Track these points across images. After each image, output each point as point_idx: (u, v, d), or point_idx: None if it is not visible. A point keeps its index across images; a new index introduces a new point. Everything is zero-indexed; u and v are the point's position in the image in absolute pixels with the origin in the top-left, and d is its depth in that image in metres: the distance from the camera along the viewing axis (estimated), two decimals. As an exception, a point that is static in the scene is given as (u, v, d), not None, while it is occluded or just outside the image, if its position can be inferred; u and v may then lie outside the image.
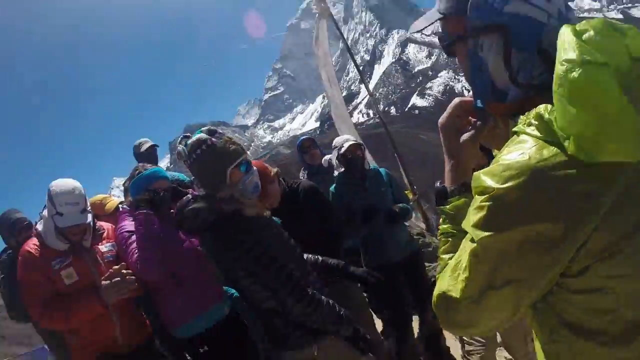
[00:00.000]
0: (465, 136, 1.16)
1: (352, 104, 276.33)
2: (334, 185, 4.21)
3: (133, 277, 2.89)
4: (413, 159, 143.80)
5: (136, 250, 2.94)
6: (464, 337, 3.21)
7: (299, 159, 5.23)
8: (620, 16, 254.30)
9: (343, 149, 4.04)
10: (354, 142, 4.13)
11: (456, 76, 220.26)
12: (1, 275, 4.35)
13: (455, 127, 1.17)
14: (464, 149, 1.16)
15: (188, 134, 2.41)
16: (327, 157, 4.62)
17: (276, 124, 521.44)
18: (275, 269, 2.20)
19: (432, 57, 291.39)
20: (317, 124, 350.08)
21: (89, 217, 3.01)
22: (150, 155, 5.40)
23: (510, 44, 0.97)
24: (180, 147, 2.35)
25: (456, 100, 1.17)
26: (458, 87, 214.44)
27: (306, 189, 3.52)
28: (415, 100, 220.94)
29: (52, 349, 4.69)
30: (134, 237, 3.00)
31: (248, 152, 2.41)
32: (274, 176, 3.04)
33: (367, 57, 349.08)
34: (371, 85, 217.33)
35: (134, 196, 3.10)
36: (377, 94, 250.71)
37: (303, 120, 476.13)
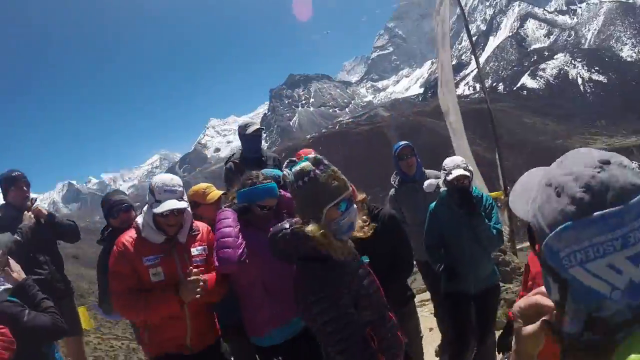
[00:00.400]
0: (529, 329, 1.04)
1: (460, 74, 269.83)
2: (434, 203, 4.26)
3: (207, 278, 3.01)
4: (511, 142, 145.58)
5: (221, 245, 3.00)
6: None
7: (394, 164, 5.09)
8: None
9: (451, 177, 4.01)
10: (463, 171, 4.02)
11: (573, 61, 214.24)
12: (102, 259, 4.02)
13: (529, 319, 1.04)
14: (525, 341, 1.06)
15: (294, 158, 2.53)
16: (432, 181, 4.55)
17: (379, 84, 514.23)
18: (333, 328, 2.18)
19: (551, 37, 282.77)
20: (421, 90, 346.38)
21: (186, 205, 3.06)
22: (254, 139, 5.42)
23: (565, 298, 0.91)
24: (286, 172, 2.37)
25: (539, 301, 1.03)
26: (573, 73, 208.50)
27: (386, 218, 3.53)
28: (526, 80, 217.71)
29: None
30: (225, 232, 3.04)
31: (349, 187, 2.35)
32: (361, 201, 2.97)
33: (483, 27, 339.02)
34: (482, 58, 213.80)
35: (241, 203, 3.17)
36: (488, 68, 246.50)
37: (407, 85, 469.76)
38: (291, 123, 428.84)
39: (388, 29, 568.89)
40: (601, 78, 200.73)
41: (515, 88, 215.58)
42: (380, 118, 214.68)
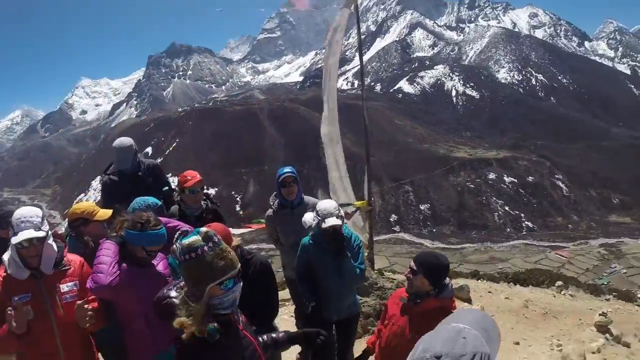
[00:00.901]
0: None
1: (341, 69, 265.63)
2: (307, 239, 4.78)
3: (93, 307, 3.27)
4: (380, 140, 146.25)
5: (95, 270, 3.34)
6: None
7: (276, 187, 5.62)
8: (628, 72, 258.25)
9: (324, 226, 4.47)
10: (335, 220, 4.47)
11: (451, 74, 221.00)
12: None
13: None
14: None
15: (187, 229, 2.60)
16: (309, 220, 4.91)
17: (260, 66, 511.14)
18: None
19: (435, 49, 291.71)
20: (301, 79, 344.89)
21: (43, 234, 3.19)
22: (128, 156, 5.64)
23: None
24: (175, 245, 2.42)
25: None
26: (449, 84, 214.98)
27: (258, 266, 4.04)
28: (404, 84, 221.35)
29: None
30: (102, 259, 3.37)
31: (236, 266, 2.43)
32: (233, 248, 3.17)
33: (372, 28, 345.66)
34: (366, 57, 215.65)
35: (130, 243, 3.47)
36: (369, 67, 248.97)
37: (288, 71, 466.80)
38: (165, 93, 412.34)
39: (280, 13, 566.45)
40: (474, 94, 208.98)
41: (392, 90, 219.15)
42: (255, 100, 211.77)
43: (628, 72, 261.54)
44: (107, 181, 5.64)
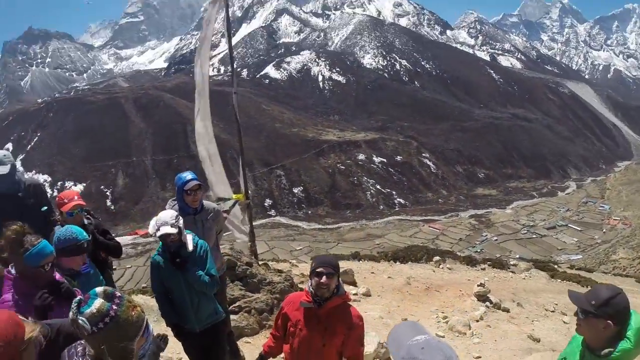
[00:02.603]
0: None
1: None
2: (155, 255, 4.73)
3: None
4: (248, 126, 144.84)
5: None
6: None
7: (177, 194, 5.43)
8: (487, 58, 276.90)
9: (159, 234, 4.42)
10: (169, 229, 4.39)
11: (317, 59, 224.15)
12: None
13: None
14: None
15: (80, 297, 2.29)
16: (153, 224, 4.62)
17: (123, 53, 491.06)
18: None
19: (302, 35, 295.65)
20: (165, 65, 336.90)
21: None
22: (5, 177, 5.20)
23: None
24: (80, 320, 2.19)
25: None
26: (315, 70, 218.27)
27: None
28: (270, 69, 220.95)
29: None
30: (6, 297, 3.36)
31: (143, 310, 2.39)
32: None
33: (238, 14, 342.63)
34: (232, 43, 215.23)
35: (22, 266, 3.37)
36: (235, 53, 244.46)
37: (152, 57, 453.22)
38: (22, 83, 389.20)
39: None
40: (340, 78, 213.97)
41: (258, 76, 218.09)
42: (118, 88, 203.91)
43: (487, 58, 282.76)
44: None
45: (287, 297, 4.18)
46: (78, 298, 2.30)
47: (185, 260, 4.56)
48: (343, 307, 3.79)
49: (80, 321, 2.21)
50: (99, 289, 2.31)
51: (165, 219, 4.45)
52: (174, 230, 4.42)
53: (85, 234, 4.09)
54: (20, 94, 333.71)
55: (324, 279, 3.60)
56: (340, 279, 3.80)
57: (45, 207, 5.50)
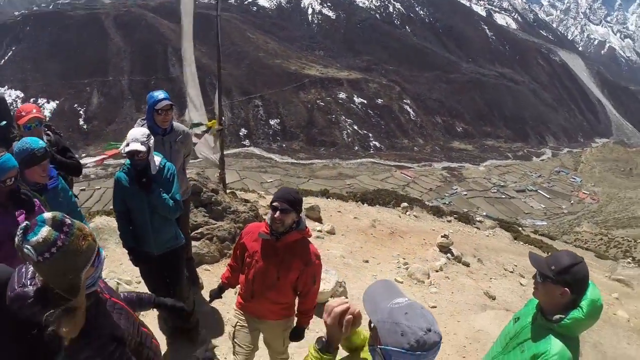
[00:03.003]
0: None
1: None
2: (120, 173, 4.59)
3: None
4: (231, 52, 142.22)
5: None
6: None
7: (147, 113, 5.30)
8: (483, 14, 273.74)
9: (127, 149, 4.31)
10: (139, 146, 4.28)
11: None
12: None
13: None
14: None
15: (27, 223, 2.14)
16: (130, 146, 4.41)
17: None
18: None
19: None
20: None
21: None
22: None
23: None
24: (26, 249, 2.06)
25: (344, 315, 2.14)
26: (305, 2, 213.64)
27: None
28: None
29: None
30: None
31: (95, 238, 2.26)
32: None
33: None
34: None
35: None
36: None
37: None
38: None
39: None
40: (330, 14, 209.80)
41: (246, 2, 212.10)
42: (100, 4, 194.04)
43: (483, 14, 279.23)
44: None
45: (247, 227, 4.14)
46: (24, 224, 2.15)
47: (151, 181, 4.47)
48: (302, 242, 3.81)
49: (25, 249, 2.08)
50: (47, 215, 2.16)
51: (136, 136, 4.32)
52: (142, 148, 4.29)
53: (40, 142, 3.93)
54: None
55: (277, 214, 3.61)
56: (302, 214, 3.80)
57: (4, 122, 5.39)
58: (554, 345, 2.78)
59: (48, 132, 5.25)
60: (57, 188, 4.19)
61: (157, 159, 4.62)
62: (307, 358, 2.25)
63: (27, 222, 2.15)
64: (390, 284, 2.17)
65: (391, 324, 1.93)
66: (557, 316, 2.82)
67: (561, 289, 2.77)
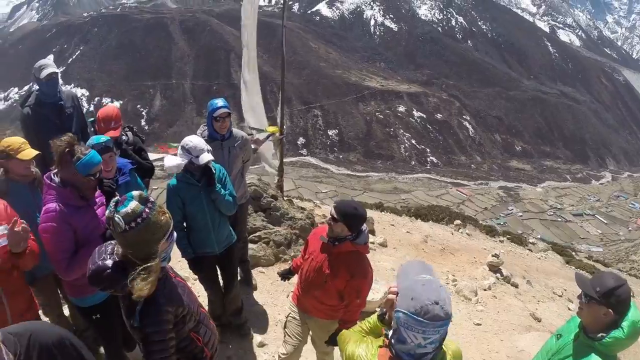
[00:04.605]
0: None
1: None
2: (174, 181, 4.82)
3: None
4: (292, 61, 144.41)
5: (47, 220, 3.47)
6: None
7: (207, 120, 5.62)
8: (547, 30, 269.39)
9: (200, 163, 4.56)
10: (210, 156, 4.61)
11: (372, 3, 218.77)
12: None
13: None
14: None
15: (118, 197, 2.58)
16: (172, 162, 4.70)
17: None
18: (160, 348, 2.64)
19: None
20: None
21: None
22: (50, 84, 5.40)
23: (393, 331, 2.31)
24: (117, 218, 2.48)
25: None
26: (368, 13, 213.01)
27: None
28: (322, 7, 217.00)
29: None
30: (50, 207, 3.50)
31: (170, 216, 2.68)
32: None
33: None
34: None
35: (72, 174, 3.57)
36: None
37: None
38: None
39: None
40: (392, 26, 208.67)
41: (309, 11, 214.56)
42: (166, 9, 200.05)
43: (547, 30, 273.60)
44: (29, 113, 5.45)
45: (316, 228, 4.61)
46: (116, 198, 2.58)
47: (213, 175, 4.76)
48: (355, 255, 4.05)
49: (116, 218, 2.49)
50: (135, 193, 2.59)
51: (202, 146, 4.62)
52: (212, 157, 4.67)
53: (103, 137, 4.31)
54: (66, 7, 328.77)
55: (329, 219, 3.96)
56: (365, 229, 4.07)
57: (92, 119, 5.66)
58: None
59: (128, 132, 5.63)
60: (129, 182, 4.49)
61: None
62: (364, 322, 2.74)
63: (118, 197, 2.62)
64: (424, 264, 2.44)
65: (408, 289, 2.15)
66: (599, 335, 2.97)
67: (605, 310, 2.93)
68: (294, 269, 4.69)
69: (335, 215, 3.86)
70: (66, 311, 5.07)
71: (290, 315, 4.54)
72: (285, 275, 4.80)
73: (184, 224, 4.93)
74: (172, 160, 4.70)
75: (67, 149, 3.49)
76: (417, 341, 2.13)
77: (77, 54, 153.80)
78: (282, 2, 9.45)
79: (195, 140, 4.64)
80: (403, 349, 2.19)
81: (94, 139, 4.23)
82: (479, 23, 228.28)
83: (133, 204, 2.50)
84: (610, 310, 2.89)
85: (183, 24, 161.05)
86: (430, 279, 2.23)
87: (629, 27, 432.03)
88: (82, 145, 3.64)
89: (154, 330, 2.59)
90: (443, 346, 2.30)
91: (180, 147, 4.65)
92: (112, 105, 6.04)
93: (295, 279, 4.79)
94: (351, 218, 3.87)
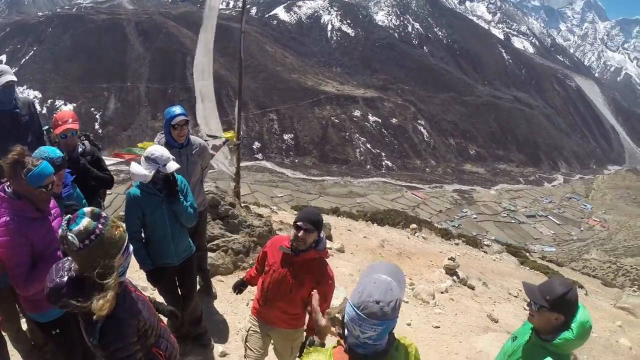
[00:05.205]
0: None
1: None
2: (135, 190, 4.67)
3: None
4: (250, 65, 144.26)
5: (2, 235, 3.40)
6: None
7: (165, 128, 5.53)
8: (501, 37, 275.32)
9: (168, 171, 4.51)
10: (177, 165, 4.58)
11: (329, 8, 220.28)
12: None
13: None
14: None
15: (70, 216, 2.53)
16: (138, 170, 4.57)
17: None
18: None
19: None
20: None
21: None
22: (7, 91, 5.20)
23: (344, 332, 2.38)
24: (70, 237, 2.43)
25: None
26: (326, 18, 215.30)
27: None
28: (280, 11, 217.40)
29: None
30: (4, 220, 3.43)
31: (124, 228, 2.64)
32: None
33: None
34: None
35: (24, 187, 3.48)
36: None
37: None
38: None
39: None
40: (349, 31, 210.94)
41: (267, 15, 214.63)
42: (122, 10, 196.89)
43: (502, 37, 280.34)
44: None
45: (273, 238, 4.42)
46: (67, 216, 2.51)
47: (177, 186, 4.69)
48: (318, 261, 4.05)
49: (69, 237, 2.44)
50: (86, 209, 2.54)
51: (168, 155, 4.57)
52: (178, 165, 4.62)
53: (58, 152, 4.05)
54: (21, 6, 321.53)
55: (301, 233, 3.83)
56: (323, 235, 4.04)
57: (47, 127, 5.61)
58: None
59: (85, 141, 5.55)
60: (72, 196, 4.37)
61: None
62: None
63: (69, 215, 2.55)
64: (392, 267, 2.42)
65: (361, 284, 2.26)
66: (550, 336, 3.10)
67: (556, 315, 3.04)
68: (248, 280, 4.66)
69: (305, 227, 3.84)
70: (24, 326, 4.82)
71: (251, 329, 4.40)
72: (239, 287, 4.70)
73: (142, 235, 4.85)
74: (139, 170, 4.56)
75: (17, 161, 3.41)
76: (355, 333, 2.24)
77: (30, 54, 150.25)
78: (240, 6, 9.47)
79: (159, 149, 4.59)
80: (350, 341, 2.29)
81: (48, 152, 3.98)
82: (435, 29, 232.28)
83: (85, 221, 2.47)
84: (561, 315, 3.02)
85: (139, 26, 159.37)
86: (385, 279, 2.27)
87: (581, 35, 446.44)
88: (33, 157, 3.55)
89: (119, 346, 2.57)
90: (405, 341, 2.47)
91: (144, 158, 4.55)
92: (66, 109, 6.10)
93: (250, 287, 4.85)
94: (320, 225, 3.93)
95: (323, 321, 2.64)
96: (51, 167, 3.56)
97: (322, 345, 2.67)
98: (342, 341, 2.39)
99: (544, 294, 3.06)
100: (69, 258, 2.65)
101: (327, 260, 4.17)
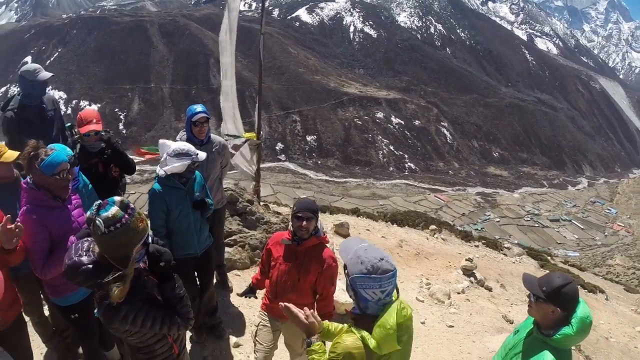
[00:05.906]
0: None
1: None
2: (157, 186, 4.84)
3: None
4: (271, 66, 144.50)
5: (22, 222, 3.54)
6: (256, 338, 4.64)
7: (186, 125, 5.79)
8: (524, 38, 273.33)
9: (201, 159, 4.76)
10: (205, 154, 4.86)
11: (352, 9, 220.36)
12: None
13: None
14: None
15: (100, 201, 2.71)
16: (174, 163, 4.73)
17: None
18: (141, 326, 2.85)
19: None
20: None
21: None
22: (42, 86, 5.54)
23: (356, 298, 2.68)
24: (97, 221, 2.62)
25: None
26: (348, 19, 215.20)
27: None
28: (302, 12, 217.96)
29: None
30: (25, 209, 3.69)
31: (147, 221, 2.87)
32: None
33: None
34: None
35: (39, 176, 3.71)
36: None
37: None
38: None
39: None
40: (372, 32, 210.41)
41: (289, 17, 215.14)
42: (146, 12, 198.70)
43: (525, 38, 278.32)
44: (13, 116, 5.43)
45: (273, 235, 4.65)
46: (98, 202, 2.75)
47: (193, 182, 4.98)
48: (319, 247, 4.28)
49: (97, 221, 2.64)
50: (117, 198, 2.74)
51: (194, 149, 4.76)
52: (204, 154, 4.86)
53: (68, 150, 4.11)
54: (45, 8, 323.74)
55: (304, 222, 4.11)
56: (319, 222, 4.31)
57: (69, 124, 5.89)
58: (547, 358, 3.11)
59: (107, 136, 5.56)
60: (79, 187, 4.45)
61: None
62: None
63: (100, 200, 2.74)
64: (359, 238, 2.84)
65: (355, 257, 2.56)
66: (550, 331, 3.14)
67: (552, 308, 3.09)
68: (254, 284, 4.84)
69: (309, 215, 4.11)
70: (46, 312, 5.23)
71: (261, 323, 4.65)
72: (248, 294, 4.89)
73: (165, 230, 5.03)
74: (176, 163, 4.74)
75: (32, 153, 3.67)
76: (376, 296, 2.55)
77: (55, 55, 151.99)
78: (261, 7, 9.63)
79: (186, 144, 4.78)
80: (372, 310, 2.61)
81: (58, 149, 4.14)
82: (458, 31, 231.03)
83: (114, 209, 2.64)
84: (557, 308, 3.08)
85: (162, 28, 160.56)
86: (369, 244, 2.64)
87: (606, 36, 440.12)
88: (47, 148, 3.78)
89: (116, 326, 2.84)
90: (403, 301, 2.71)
91: (175, 155, 4.68)
92: (91, 108, 6.38)
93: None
94: (317, 212, 4.22)
95: (302, 318, 2.92)
96: (63, 156, 3.74)
97: (322, 341, 2.97)
98: (352, 317, 2.77)
99: (542, 285, 3.15)
100: (89, 239, 2.93)
101: (326, 245, 4.40)
